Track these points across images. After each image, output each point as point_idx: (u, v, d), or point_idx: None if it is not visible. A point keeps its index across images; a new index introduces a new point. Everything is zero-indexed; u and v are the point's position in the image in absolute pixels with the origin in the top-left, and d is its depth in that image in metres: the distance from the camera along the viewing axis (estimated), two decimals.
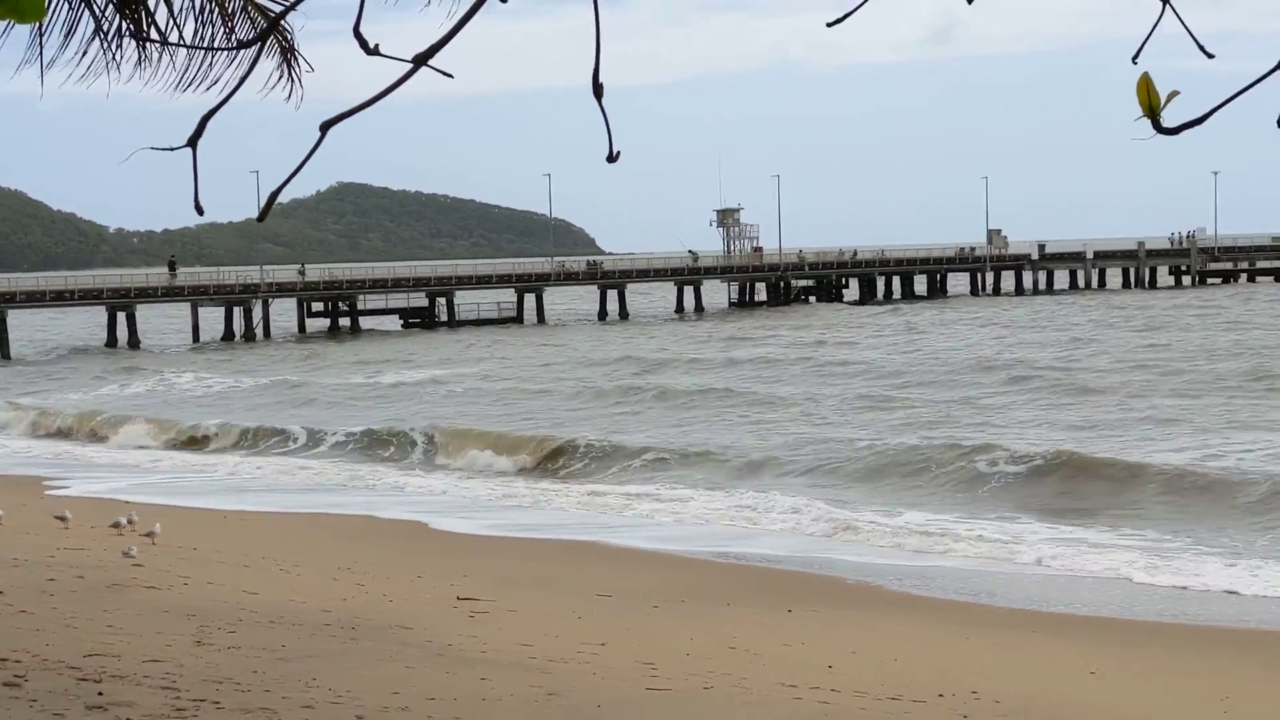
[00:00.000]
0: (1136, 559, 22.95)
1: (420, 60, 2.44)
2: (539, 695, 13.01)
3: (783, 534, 26.10)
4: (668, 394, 52.38)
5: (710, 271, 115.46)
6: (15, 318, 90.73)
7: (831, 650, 15.57)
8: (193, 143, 2.44)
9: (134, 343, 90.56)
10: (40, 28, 9.24)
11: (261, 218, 2.44)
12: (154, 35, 9.00)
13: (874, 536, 25.48)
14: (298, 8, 2.73)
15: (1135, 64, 2.47)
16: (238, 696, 12.23)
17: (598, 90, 2.55)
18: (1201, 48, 2.50)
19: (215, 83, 9.27)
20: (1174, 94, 2.40)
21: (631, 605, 18.25)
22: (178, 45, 9.30)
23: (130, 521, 23.17)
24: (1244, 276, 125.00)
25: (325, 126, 2.43)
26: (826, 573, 22.47)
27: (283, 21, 8.77)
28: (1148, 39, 2.57)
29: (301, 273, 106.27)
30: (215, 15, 9.32)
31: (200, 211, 2.49)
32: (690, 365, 65.86)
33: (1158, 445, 35.42)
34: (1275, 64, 2.44)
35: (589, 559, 22.82)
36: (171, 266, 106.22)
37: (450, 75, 2.44)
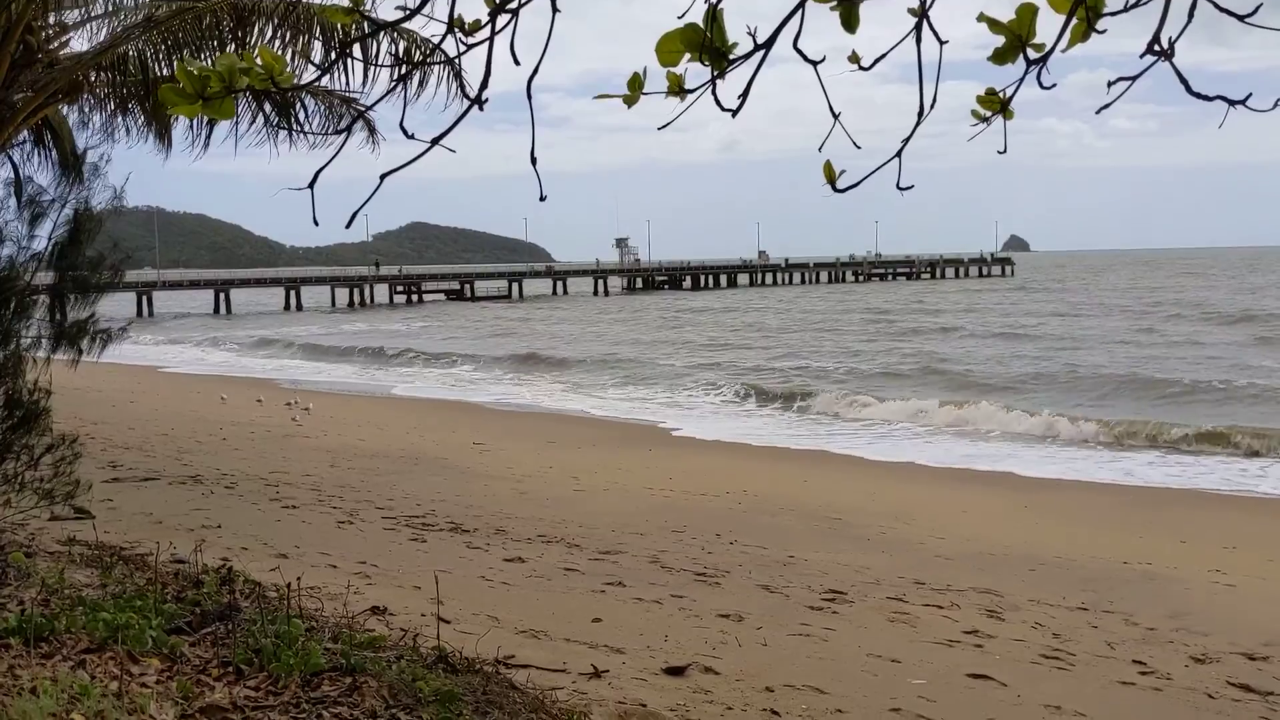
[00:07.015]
0: (820, 429, 23.23)
1: (435, 141, 2.36)
2: (516, 493, 13.02)
3: (648, 411, 26.05)
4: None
5: (612, 272, 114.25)
6: (235, 293, 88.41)
7: (671, 469, 15.69)
8: (311, 186, 2.35)
9: (299, 306, 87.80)
10: (235, 123, 9.00)
11: (348, 225, 2.35)
12: (296, 127, 8.80)
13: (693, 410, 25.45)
14: (374, 108, 2.60)
15: (820, 151, 2.44)
16: (352, 494, 12.12)
17: (533, 160, 2.50)
18: (857, 146, 2.47)
19: (330, 146, 9.04)
20: (843, 171, 2.38)
21: (567, 447, 18.26)
22: (306, 133, 9.05)
23: (296, 403, 22.79)
24: (849, 276, 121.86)
25: (383, 176, 2.35)
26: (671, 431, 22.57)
27: (367, 114, 8.65)
28: (826, 138, 2.52)
29: (400, 270, 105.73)
30: (329, 111, 9.13)
31: (316, 223, 2.36)
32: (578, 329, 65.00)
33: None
34: (892, 154, 2.40)
35: (545, 422, 22.72)
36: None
37: (453, 150, 2.35)
